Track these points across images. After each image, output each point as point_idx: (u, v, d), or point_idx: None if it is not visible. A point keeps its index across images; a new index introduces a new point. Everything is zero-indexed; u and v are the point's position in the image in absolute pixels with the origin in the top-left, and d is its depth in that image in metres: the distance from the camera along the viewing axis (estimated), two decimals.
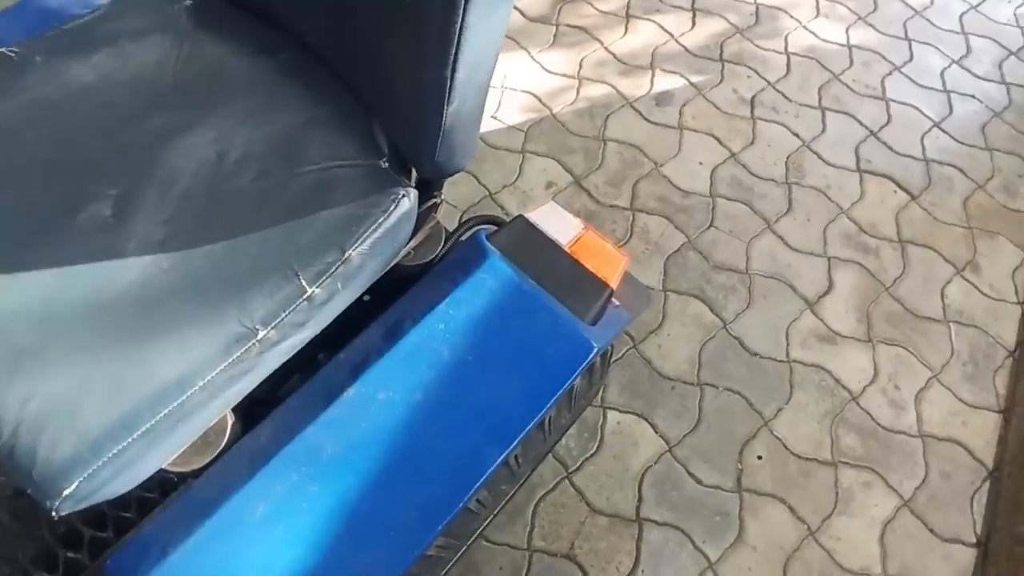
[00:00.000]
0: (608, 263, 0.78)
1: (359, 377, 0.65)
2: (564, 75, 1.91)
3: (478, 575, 1.25)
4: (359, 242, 0.60)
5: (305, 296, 0.58)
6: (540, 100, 1.85)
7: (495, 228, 0.81)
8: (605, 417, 1.43)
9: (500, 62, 1.94)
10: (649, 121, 1.84)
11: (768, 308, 1.58)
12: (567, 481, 1.35)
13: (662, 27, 2.05)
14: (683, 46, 2.01)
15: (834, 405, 1.48)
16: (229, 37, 0.75)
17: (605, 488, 1.36)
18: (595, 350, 0.70)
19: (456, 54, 0.50)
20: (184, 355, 0.54)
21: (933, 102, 2.00)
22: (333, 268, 0.59)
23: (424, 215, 0.73)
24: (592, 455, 1.39)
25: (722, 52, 2.02)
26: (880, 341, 1.56)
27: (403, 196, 0.63)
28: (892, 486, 1.40)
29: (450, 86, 0.53)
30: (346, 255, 0.60)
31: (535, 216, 0.79)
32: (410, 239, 0.72)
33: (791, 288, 1.61)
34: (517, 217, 0.80)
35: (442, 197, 1.10)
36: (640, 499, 1.34)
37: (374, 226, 0.61)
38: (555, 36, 1.99)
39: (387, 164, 0.66)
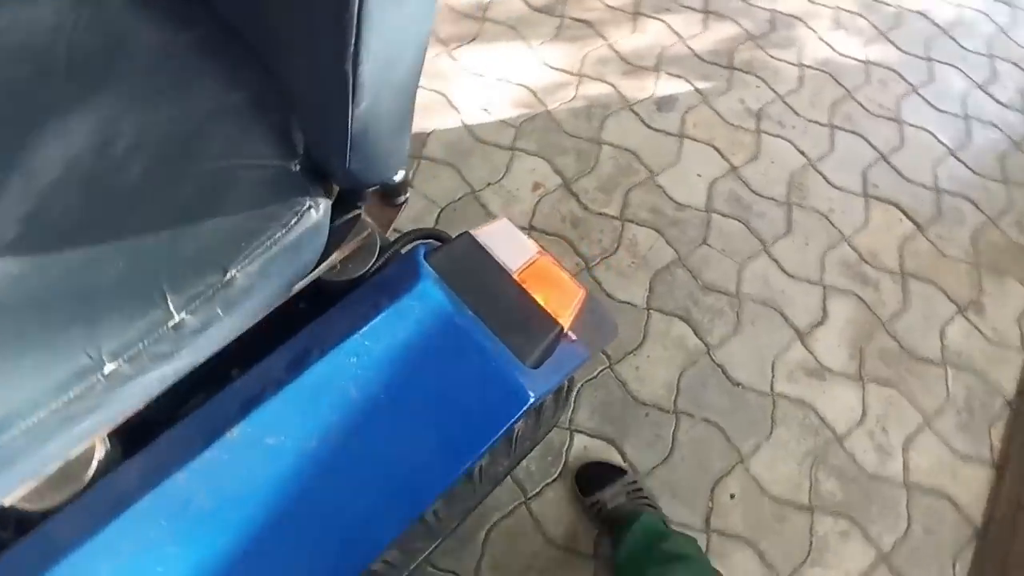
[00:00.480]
0: (562, 296, 0.67)
1: (247, 415, 0.54)
2: (564, 71, 1.78)
3: None
4: (246, 260, 0.49)
5: (171, 323, 0.47)
6: (536, 95, 1.72)
7: (438, 245, 0.70)
8: (572, 440, 1.32)
9: (496, 52, 1.82)
10: (648, 126, 1.72)
11: (756, 335, 1.47)
12: (524, 507, 1.25)
13: (671, 28, 1.92)
14: (691, 49, 1.88)
15: (816, 445, 1.37)
16: (140, 3, 0.63)
17: (564, 517, 1.25)
18: (531, 401, 0.59)
19: (357, 44, 0.39)
20: (7, 389, 0.44)
21: (950, 128, 1.86)
22: (210, 291, 0.48)
23: (346, 227, 0.62)
24: (554, 480, 1.28)
25: (732, 59, 1.88)
26: (871, 380, 1.45)
27: (309, 208, 0.52)
28: (871, 538, 1.29)
29: (354, 82, 0.42)
30: (228, 275, 0.49)
31: (484, 234, 0.68)
32: (327, 254, 0.61)
33: (782, 316, 1.49)
34: (463, 234, 0.68)
35: (407, 195, 0.99)
36: (601, 535, 1.24)
37: (267, 242, 0.50)
38: (558, 29, 1.86)
39: (299, 168, 0.54)
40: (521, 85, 1.72)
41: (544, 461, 1.29)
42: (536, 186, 1.58)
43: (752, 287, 1.52)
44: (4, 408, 0.43)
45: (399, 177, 0.96)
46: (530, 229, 1.52)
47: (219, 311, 0.49)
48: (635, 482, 1.24)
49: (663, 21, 1.92)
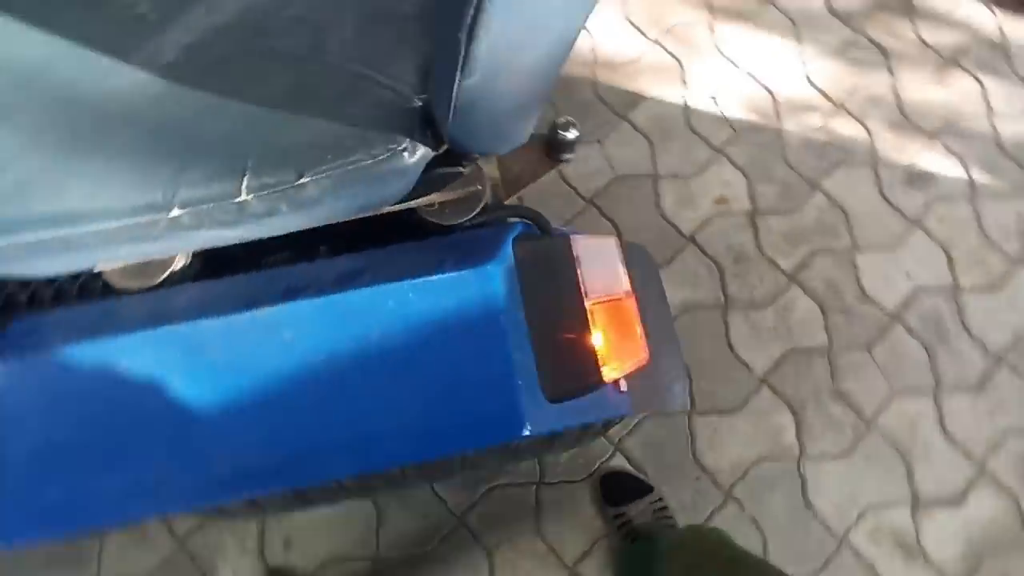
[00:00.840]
0: (623, 349, 0.59)
1: (282, 302, 0.56)
2: (823, 93, 1.52)
3: (404, 508, 1.21)
4: (323, 173, 0.48)
5: (237, 199, 0.49)
6: (776, 106, 1.50)
7: (535, 231, 0.65)
8: (611, 458, 1.26)
9: (762, 42, 1.58)
10: (883, 195, 1.43)
11: (863, 473, 1.24)
12: (533, 488, 1.23)
13: (985, 94, 1.53)
14: (996, 130, 1.50)
15: None
16: None
17: (562, 521, 1.22)
18: (525, 434, 0.54)
19: (476, 17, 0.34)
20: (97, 192, 0.49)
21: None
22: (281, 186, 0.49)
23: (448, 177, 0.59)
24: (573, 482, 1.24)
25: None
26: None
27: (404, 150, 0.49)
28: None
29: (466, 54, 0.37)
30: (301, 180, 0.49)
31: (582, 245, 0.61)
32: (423, 194, 0.59)
33: (908, 471, 1.24)
34: (562, 235, 0.62)
35: (572, 154, 0.92)
36: (586, 555, 1.20)
37: (349, 165, 0.49)
38: (844, 44, 1.57)
39: (421, 104, 0.51)
40: (766, 89, 1.51)
41: (575, 460, 1.25)
42: (721, 200, 1.42)
43: (892, 422, 1.27)
44: (82, 205, 0.48)
45: (572, 135, 0.90)
46: (689, 240, 1.38)
47: (284, 207, 0.50)
48: (661, 499, 1.20)
49: (979, 82, 1.54)
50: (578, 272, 0.60)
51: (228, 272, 0.62)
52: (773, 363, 1.31)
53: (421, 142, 0.50)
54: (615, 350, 0.59)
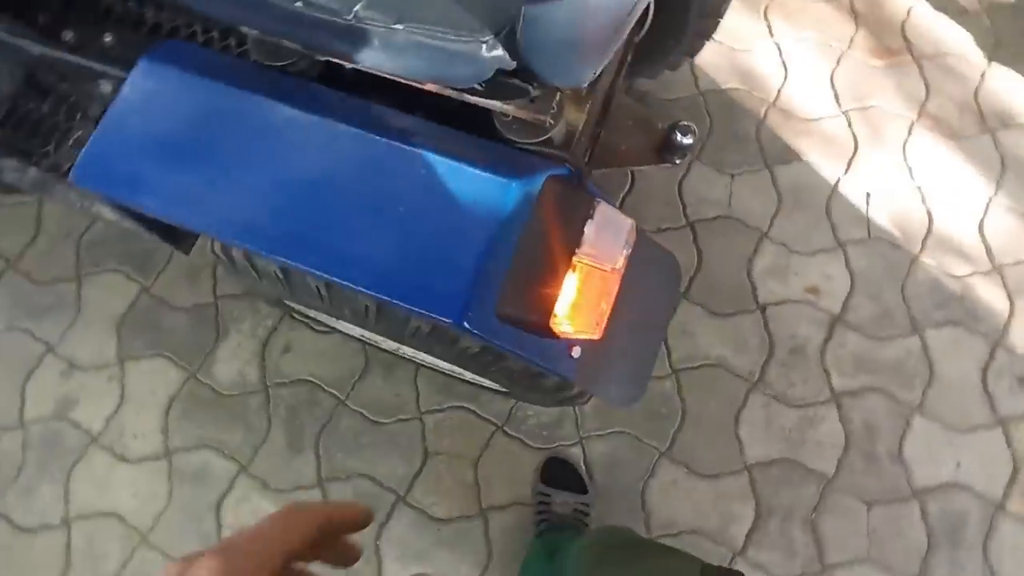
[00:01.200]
0: (583, 315, 0.63)
1: (349, 125, 0.66)
2: (988, 247, 1.37)
3: (385, 378, 1.33)
4: (415, 30, 0.55)
5: (345, 18, 0.57)
6: (927, 233, 1.38)
7: (573, 179, 0.69)
8: (570, 447, 1.29)
9: (955, 167, 1.43)
10: (983, 377, 1.29)
11: None
12: (493, 428, 1.30)
13: None
14: None
15: None
16: None
17: (499, 470, 1.28)
18: (459, 319, 0.60)
19: None
20: None
21: None
22: (379, 24, 0.57)
23: (512, 91, 0.64)
24: (527, 445, 1.29)
25: None
26: None
27: (483, 44, 0.55)
28: None
29: None
30: (396, 25, 0.56)
31: (604, 214, 0.64)
32: (490, 97, 0.65)
33: None
34: (596, 199, 0.66)
35: (677, 161, 0.94)
36: (500, 509, 1.26)
37: (438, 33, 0.55)
38: None
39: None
40: (928, 213, 1.38)
41: (541, 431, 1.30)
42: (812, 290, 1.35)
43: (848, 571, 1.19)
44: None
45: (686, 141, 0.92)
46: (759, 308, 1.34)
47: (376, 42, 0.58)
48: (588, 505, 1.23)
49: None
50: (584, 228, 0.64)
51: (336, 87, 0.72)
52: (767, 460, 1.26)
53: (502, 44, 0.56)
54: (574, 310, 0.63)
